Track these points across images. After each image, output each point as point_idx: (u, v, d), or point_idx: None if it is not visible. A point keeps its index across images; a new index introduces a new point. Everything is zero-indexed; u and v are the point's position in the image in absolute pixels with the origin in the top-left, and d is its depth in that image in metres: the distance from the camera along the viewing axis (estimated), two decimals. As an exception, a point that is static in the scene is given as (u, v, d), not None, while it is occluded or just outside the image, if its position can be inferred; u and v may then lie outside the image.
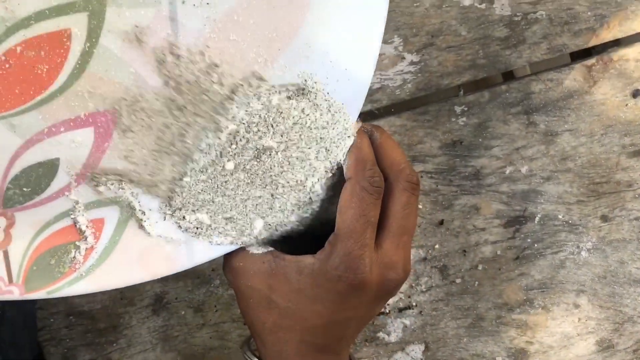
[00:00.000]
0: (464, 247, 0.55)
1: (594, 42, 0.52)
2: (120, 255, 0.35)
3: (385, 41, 0.52)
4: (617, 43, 0.54)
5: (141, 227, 0.35)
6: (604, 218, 0.54)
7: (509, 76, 0.62)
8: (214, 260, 0.54)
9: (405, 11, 0.52)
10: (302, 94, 0.34)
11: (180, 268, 0.37)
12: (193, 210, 0.36)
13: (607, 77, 0.53)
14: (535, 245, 0.55)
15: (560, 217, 0.54)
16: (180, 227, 0.36)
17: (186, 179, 0.34)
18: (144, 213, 0.35)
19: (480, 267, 0.55)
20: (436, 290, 0.55)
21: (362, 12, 0.33)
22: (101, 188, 0.34)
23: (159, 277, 0.37)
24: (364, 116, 0.54)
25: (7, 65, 0.29)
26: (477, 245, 0.55)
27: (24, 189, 0.33)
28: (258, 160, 0.35)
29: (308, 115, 0.34)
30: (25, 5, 0.28)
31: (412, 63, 0.53)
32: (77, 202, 0.34)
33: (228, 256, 0.38)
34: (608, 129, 0.53)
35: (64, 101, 0.31)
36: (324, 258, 0.34)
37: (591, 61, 0.53)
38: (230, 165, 0.34)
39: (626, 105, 0.53)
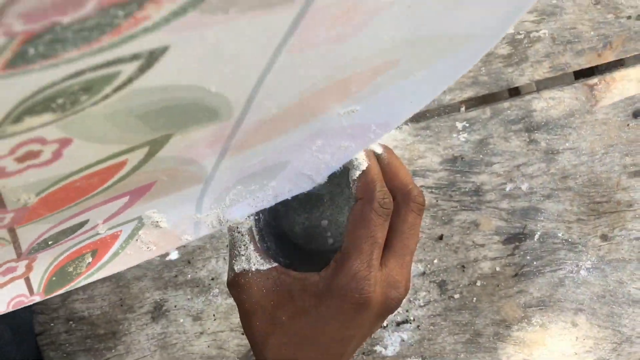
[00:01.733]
0: (463, 263, 0.55)
1: (596, 61, 0.53)
2: (131, 249, 0.37)
3: (388, 56, 0.53)
4: (620, 63, 0.54)
5: (158, 226, 0.36)
6: (604, 237, 0.54)
7: (514, 93, 0.62)
8: (213, 270, 0.55)
9: (409, 27, 0.52)
10: None
11: (185, 242, 0.38)
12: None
13: (609, 96, 0.53)
14: (535, 262, 0.55)
15: (560, 235, 0.54)
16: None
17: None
18: (161, 217, 0.35)
19: (478, 283, 0.55)
20: (434, 305, 0.55)
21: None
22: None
23: (165, 252, 0.39)
24: (366, 130, 0.54)
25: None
26: (476, 261, 0.55)
27: (49, 243, 0.32)
28: None
29: None
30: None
31: (414, 78, 0.53)
32: (100, 231, 0.33)
33: (232, 272, 0.38)
34: (609, 149, 0.53)
35: (102, 192, 0.29)
36: (329, 276, 0.35)
37: (593, 80, 0.53)
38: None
39: (627, 125, 0.53)
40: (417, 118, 0.54)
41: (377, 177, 0.36)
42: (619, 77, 0.53)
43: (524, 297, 0.55)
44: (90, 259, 0.36)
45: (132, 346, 0.56)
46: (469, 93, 0.53)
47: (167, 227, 0.36)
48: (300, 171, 0.38)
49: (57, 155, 0.23)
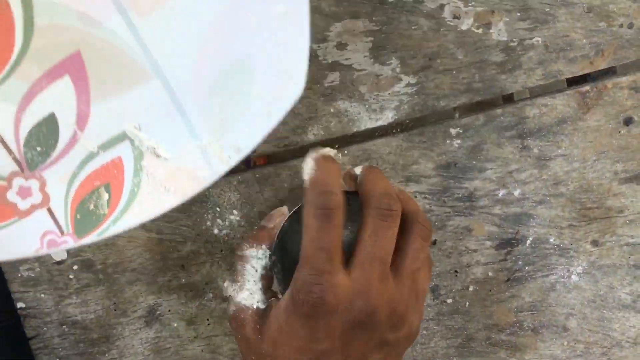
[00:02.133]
0: (456, 268, 0.55)
1: (588, 69, 0.53)
2: (149, 187, 0.38)
3: (383, 62, 0.53)
4: (612, 71, 0.54)
5: (157, 155, 0.38)
6: (595, 243, 0.55)
7: (509, 99, 0.62)
8: (207, 274, 0.55)
9: (404, 34, 0.52)
10: None
11: (206, 183, 0.39)
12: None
13: (601, 104, 0.53)
14: (526, 267, 0.55)
15: (551, 240, 0.55)
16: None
17: None
18: (155, 142, 0.38)
19: (471, 288, 0.56)
20: (427, 309, 0.56)
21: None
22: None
23: (190, 197, 0.39)
24: (362, 136, 0.54)
25: None
26: (468, 266, 0.55)
27: (38, 149, 0.37)
28: None
29: None
30: None
31: (409, 85, 0.53)
32: (91, 147, 0.38)
33: (233, 305, 0.39)
34: (601, 155, 0.54)
35: (30, 60, 0.34)
36: (291, 288, 0.35)
37: (585, 88, 0.53)
38: None
39: (619, 132, 0.54)
40: (411, 124, 0.54)
41: (319, 180, 0.35)
42: (610, 85, 0.53)
43: (515, 302, 0.56)
44: (107, 195, 0.39)
45: (125, 350, 0.56)
46: (462, 99, 0.53)
47: (169, 157, 0.38)
48: (276, 68, 0.37)
49: None
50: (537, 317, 0.56)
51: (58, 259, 0.55)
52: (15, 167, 0.37)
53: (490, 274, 0.55)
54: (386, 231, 0.34)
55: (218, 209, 0.55)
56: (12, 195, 0.38)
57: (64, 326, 0.56)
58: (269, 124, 0.39)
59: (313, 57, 0.53)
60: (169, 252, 0.55)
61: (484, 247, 0.55)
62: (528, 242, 0.55)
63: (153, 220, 0.54)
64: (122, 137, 0.38)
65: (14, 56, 0.34)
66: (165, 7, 0.35)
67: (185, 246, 0.55)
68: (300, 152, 0.55)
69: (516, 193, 0.54)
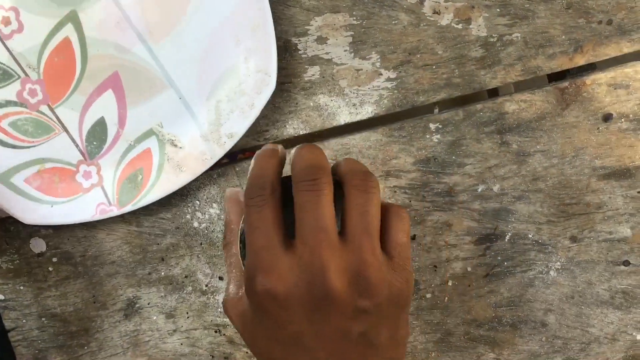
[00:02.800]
0: (435, 263, 0.56)
1: (567, 65, 0.53)
2: (169, 169, 0.52)
3: (363, 57, 0.53)
4: (592, 67, 0.55)
5: (175, 145, 0.53)
6: (573, 239, 0.55)
7: (493, 94, 0.63)
8: (187, 267, 0.55)
9: (384, 28, 0.53)
10: None
11: (209, 164, 0.52)
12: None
13: (580, 100, 0.54)
14: (505, 263, 0.55)
15: (530, 236, 0.55)
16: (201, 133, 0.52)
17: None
18: (173, 135, 0.53)
19: (450, 283, 0.56)
20: (406, 304, 0.56)
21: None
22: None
23: (199, 174, 0.52)
24: (341, 130, 0.55)
25: (52, 69, 0.50)
26: (447, 261, 0.55)
27: (94, 143, 0.53)
28: None
29: None
30: (37, 33, 0.50)
31: (388, 79, 0.53)
32: (129, 141, 0.53)
33: (226, 294, 0.39)
34: (579, 152, 0.54)
35: (86, 80, 0.51)
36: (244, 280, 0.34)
37: (564, 84, 0.54)
38: None
39: (597, 128, 0.54)
40: (391, 119, 0.55)
41: (251, 175, 0.35)
42: (589, 81, 0.54)
43: (494, 297, 0.56)
44: (140, 176, 0.53)
45: (104, 343, 0.56)
46: (442, 95, 0.54)
47: (184, 146, 0.52)
48: (254, 69, 0.50)
49: (20, 26, 0.49)
50: (516, 312, 0.56)
51: (37, 251, 0.55)
52: (81, 157, 0.53)
53: (469, 269, 0.56)
54: (316, 200, 0.32)
55: (198, 202, 0.55)
56: (79, 177, 0.53)
57: (43, 318, 0.56)
58: (253, 113, 0.51)
59: (293, 50, 0.53)
60: (149, 245, 0.55)
61: (463, 242, 0.55)
62: (507, 237, 0.55)
63: (132, 213, 0.54)
64: (150, 133, 0.53)
65: (76, 77, 0.51)
66: (172, 35, 0.50)
67: (164, 239, 0.55)
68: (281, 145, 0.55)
69: (495, 188, 0.55)
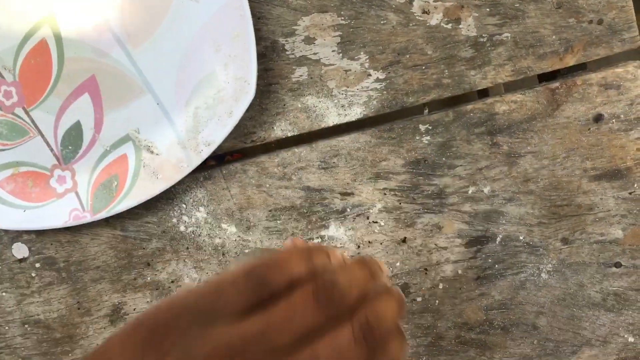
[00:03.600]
0: (426, 266, 0.55)
1: (558, 65, 0.53)
2: (145, 176, 0.51)
3: (351, 57, 0.52)
4: (582, 67, 0.54)
5: (151, 152, 0.51)
6: (565, 241, 0.55)
7: (483, 94, 0.62)
8: (173, 272, 0.54)
9: (372, 28, 0.52)
10: None
11: (185, 172, 0.51)
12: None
13: (571, 100, 0.53)
14: (496, 265, 0.55)
15: (521, 238, 0.54)
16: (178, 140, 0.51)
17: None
18: (150, 142, 0.51)
19: (441, 286, 0.55)
20: (397, 308, 0.55)
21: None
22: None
23: (175, 182, 0.51)
24: (330, 131, 0.54)
25: (28, 71, 0.49)
26: (438, 264, 0.55)
27: (70, 147, 0.52)
28: None
29: None
30: (13, 34, 0.49)
31: (377, 80, 0.53)
32: (105, 146, 0.52)
33: None
34: (570, 153, 0.54)
35: (63, 82, 0.50)
36: None
37: (555, 84, 0.53)
38: None
39: (588, 129, 0.53)
40: (380, 120, 0.54)
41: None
42: (580, 82, 0.53)
43: (485, 300, 0.55)
44: (115, 182, 0.52)
45: (89, 350, 0.55)
46: (431, 95, 0.53)
47: (161, 153, 0.51)
48: (234, 77, 0.49)
49: None
50: (507, 315, 0.55)
51: (20, 256, 0.54)
52: (55, 161, 0.52)
53: (460, 271, 0.55)
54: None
55: (184, 205, 0.54)
56: (53, 182, 0.52)
57: (26, 325, 0.54)
58: (231, 122, 0.50)
59: (280, 51, 0.52)
60: (134, 249, 0.54)
61: (453, 244, 0.55)
62: (498, 239, 0.54)
63: (117, 218, 0.53)
64: (126, 138, 0.52)
65: (52, 80, 0.50)
66: (151, 40, 0.50)
67: (150, 243, 0.54)
68: (268, 147, 0.54)
69: (486, 190, 0.54)
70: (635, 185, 0.54)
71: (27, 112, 0.50)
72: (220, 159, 0.60)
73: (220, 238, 0.54)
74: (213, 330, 0.27)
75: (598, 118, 0.53)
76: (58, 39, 0.49)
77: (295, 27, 0.52)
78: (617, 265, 0.55)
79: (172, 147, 0.51)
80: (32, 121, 0.50)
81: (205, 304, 0.28)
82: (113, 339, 0.28)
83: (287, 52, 0.52)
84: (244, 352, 0.26)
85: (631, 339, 0.55)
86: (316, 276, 0.29)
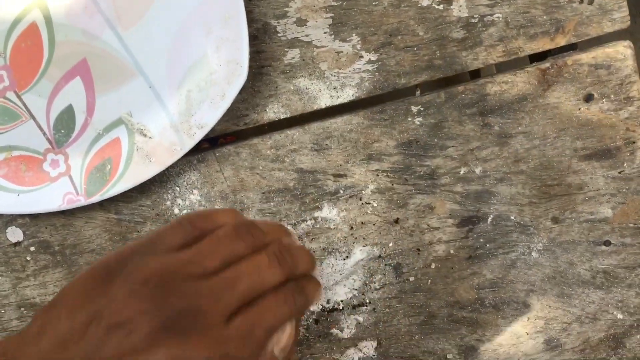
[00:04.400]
0: (418, 246, 0.55)
1: (549, 46, 0.53)
2: (138, 159, 0.51)
3: (343, 39, 0.52)
4: (573, 47, 0.54)
5: (144, 135, 0.51)
6: (555, 220, 0.55)
7: (476, 75, 0.62)
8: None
9: (364, 9, 0.52)
10: None
11: (178, 155, 0.51)
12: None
13: (561, 81, 0.53)
14: (488, 245, 0.55)
15: (512, 218, 0.55)
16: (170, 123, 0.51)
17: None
18: (143, 125, 0.52)
19: (433, 266, 0.56)
20: (390, 287, 0.56)
21: None
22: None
23: (168, 165, 0.51)
24: (322, 113, 0.54)
25: (19, 54, 0.49)
26: (430, 244, 0.55)
27: (62, 131, 0.52)
28: None
29: None
30: (3, 18, 0.48)
31: (369, 62, 0.53)
32: (98, 130, 0.52)
33: None
34: (561, 133, 0.54)
35: (54, 66, 0.50)
36: None
37: (545, 65, 0.53)
38: None
39: (579, 109, 0.54)
40: (372, 102, 0.54)
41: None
42: (570, 62, 0.53)
43: (477, 279, 0.56)
44: (109, 166, 0.52)
45: (86, 332, 0.55)
46: (423, 77, 0.53)
47: (154, 136, 0.51)
48: (226, 59, 0.49)
49: None
50: (498, 293, 0.56)
51: (14, 240, 0.54)
52: (48, 145, 0.52)
53: (452, 251, 0.56)
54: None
55: (178, 188, 0.54)
56: (46, 166, 0.52)
57: (22, 308, 0.55)
58: (224, 104, 0.50)
59: (272, 33, 0.52)
60: (128, 232, 0.54)
61: (445, 224, 0.55)
62: (489, 219, 0.55)
63: (111, 201, 0.53)
64: (119, 122, 0.52)
65: (43, 63, 0.50)
66: (142, 22, 0.49)
67: (144, 226, 0.54)
68: (261, 129, 0.54)
69: (477, 171, 0.54)
70: (625, 164, 0.54)
71: (18, 96, 0.50)
72: (214, 142, 0.60)
73: (214, 220, 0.54)
74: (152, 258, 0.32)
75: (589, 98, 0.54)
76: (48, 22, 0.49)
77: (286, 9, 0.52)
78: (607, 243, 0.55)
79: (165, 131, 0.51)
80: (24, 105, 0.50)
81: (147, 244, 0.34)
82: (72, 281, 0.33)
83: (279, 34, 0.52)
84: (178, 273, 0.32)
85: (620, 316, 0.56)
86: (238, 222, 0.36)
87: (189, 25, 0.50)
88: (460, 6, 0.52)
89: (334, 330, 0.56)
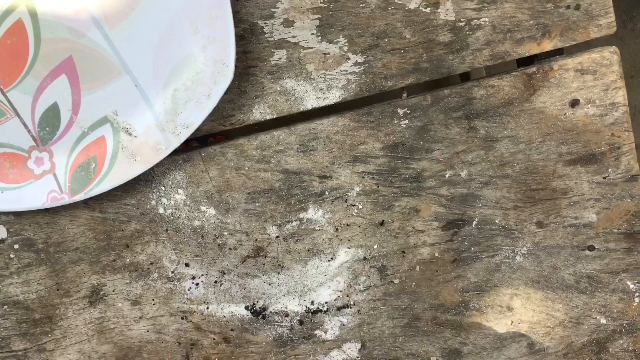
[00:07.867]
0: (403, 248, 0.55)
1: (535, 50, 0.53)
2: (123, 158, 0.51)
3: (330, 41, 0.52)
4: (559, 52, 0.55)
5: (129, 134, 0.51)
6: (539, 224, 0.55)
7: (466, 78, 0.62)
8: (152, 254, 0.54)
9: (351, 11, 0.52)
10: None
11: (163, 154, 0.51)
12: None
13: (547, 85, 0.54)
14: (472, 248, 0.56)
15: (497, 221, 0.55)
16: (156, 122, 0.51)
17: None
18: (128, 124, 0.52)
19: (418, 269, 0.56)
20: (374, 289, 0.56)
21: None
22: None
23: (153, 164, 0.51)
24: (308, 115, 0.54)
25: (5, 51, 0.49)
26: (415, 246, 0.55)
27: (47, 129, 0.51)
28: None
29: None
30: None
31: (356, 64, 0.53)
32: (83, 128, 0.52)
33: None
34: (546, 137, 0.54)
35: (40, 63, 0.49)
36: None
37: (532, 69, 0.53)
38: None
39: (564, 114, 0.54)
40: (358, 104, 0.54)
41: None
42: (556, 67, 0.53)
43: (461, 282, 0.56)
44: (94, 165, 0.52)
45: (69, 331, 0.55)
46: (410, 79, 0.53)
47: (139, 135, 0.51)
48: (212, 59, 0.49)
49: None
50: (482, 297, 0.56)
51: (-2, 238, 0.54)
52: (33, 143, 0.52)
53: (436, 254, 0.56)
54: None
55: (163, 188, 0.54)
56: (30, 164, 0.52)
57: (5, 306, 0.55)
58: (210, 104, 0.50)
59: (259, 34, 0.52)
60: (113, 231, 0.54)
61: (430, 227, 0.55)
62: (474, 223, 0.55)
63: (96, 199, 0.53)
64: (104, 120, 0.52)
65: (29, 61, 0.49)
66: (128, 21, 0.49)
67: (129, 225, 0.54)
68: (250, 129, 0.54)
69: (463, 174, 0.54)
70: (610, 170, 0.55)
71: (3, 93, 0.50)
72: (204, 141, 0.60)
73: (199, 220, 0.54)
74: None
75: (574, 103, 0.54)
76: (34, 18, 0.48)
77: (274, 10, 0.52)
78: (591, 248, 0.56)
79: (150, 129, 0.51)
80: (9, 102, 0.50)
81: None
82: None
83: (266, 35, 0.52)
84: None
85: (603, 321, 0.57)
86: None
87: (175, 24, 0.49)
88: (447, 10, 0.52)
89: (318, 332, 0.56)
